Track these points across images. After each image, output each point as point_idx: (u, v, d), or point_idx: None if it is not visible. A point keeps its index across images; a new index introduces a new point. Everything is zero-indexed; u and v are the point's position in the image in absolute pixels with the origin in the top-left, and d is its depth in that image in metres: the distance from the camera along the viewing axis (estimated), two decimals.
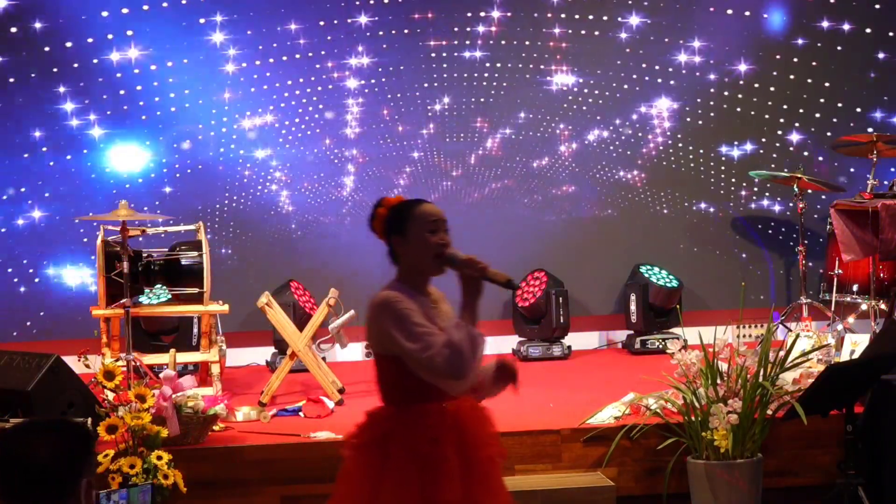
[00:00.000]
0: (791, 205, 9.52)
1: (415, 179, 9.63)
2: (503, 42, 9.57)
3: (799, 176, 8.87)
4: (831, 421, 6.51)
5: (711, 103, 9.74)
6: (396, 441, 4.35)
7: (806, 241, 8.94)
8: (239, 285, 9.13)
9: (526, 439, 6.74)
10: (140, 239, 8.04)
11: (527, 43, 9.58)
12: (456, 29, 9.53)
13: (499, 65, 9.58)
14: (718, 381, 6.55)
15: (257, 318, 8.95)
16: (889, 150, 8.88)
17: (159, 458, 6.27)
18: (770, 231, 9.85)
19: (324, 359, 8.37)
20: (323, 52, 9.46)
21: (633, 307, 9.38)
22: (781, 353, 6.71)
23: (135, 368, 7.30)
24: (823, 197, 9.58)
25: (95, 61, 9.26)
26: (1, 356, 6.93)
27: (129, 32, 9.25)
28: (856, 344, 7.53)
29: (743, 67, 9.72)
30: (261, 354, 9.24)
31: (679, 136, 9.75)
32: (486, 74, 9.59)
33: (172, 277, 7.94)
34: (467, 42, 9.55)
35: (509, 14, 9.54)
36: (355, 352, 9.44)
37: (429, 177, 9.65)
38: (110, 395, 6.57)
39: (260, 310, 8.08)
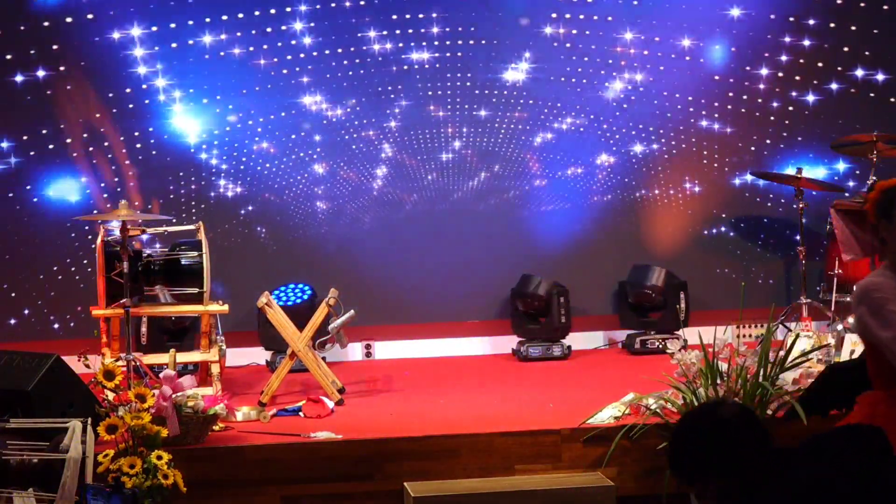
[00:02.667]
0: (791, 205, 9.52)
1: (415, 178, 9.62)
2: (507, 42, 9.58)
3: (799, 176, 8.87)
4: (831, 421, 6.50)
5: (713, 104, 9.73)
6: (884, 426, 4.30)
7: (806, 241, 8.94)
8: (239, 285, 9.12)
9: (526, 439, 6.75)
10: (144, 238, 8.05)
11: (531, 43, 9.59)
12: (459, 28, 9.53)
13: (505, 64, 9.59)
14: (718, 381, 6.55)
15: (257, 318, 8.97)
16: (889, 150, 8.88)
17: (159, 458, 6.27)
18: (770, 231, 9.84)
19: (324, 359, 8.37)
20: (344, 54, 9.46)
21: (627, 307, 9.42)
22: (781, 353, 6.72)
23: (135, 368, 7.30)
24: (815, 194, 9.56)
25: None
26: (1, 356, 6.93)
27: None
28: (856, 344, 7.52)
29: (744, 66, 9.72)
30: (261, 354, 9.25)
31: (679, 135, 9.74)
32: (489, 76, 9.59)
33: (172, 277, 7.94)
34: (470, 41, 9.55)
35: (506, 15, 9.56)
36: (355, 352, 9.46)
37: (430, 175, 9.63)
38: (110, 395, 6.57)
39: (260, 310, 8.09)
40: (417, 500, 6.40)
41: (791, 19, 9.67)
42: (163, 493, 6.25)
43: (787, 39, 9.68)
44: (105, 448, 6.34)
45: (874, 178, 8.68)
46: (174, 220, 8.57)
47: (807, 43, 9.69)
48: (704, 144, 9.77)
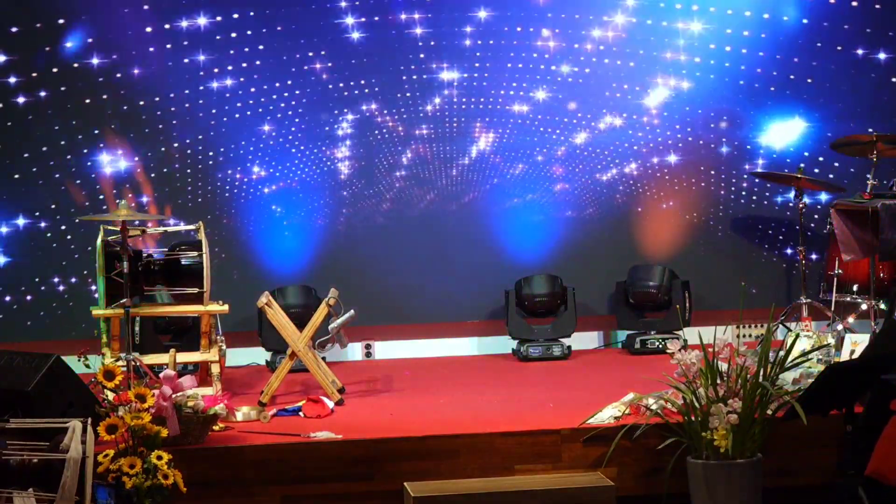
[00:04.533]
0: (791, 205, 9.53)
1: (413, 178, 9.63)
2: (506, 39, 9.58)
3: (799, 176, 8.88)
4: (831, 421, 6.52)
5: (716, 104, 9.73)
6: None
7: (806, 241, 8.95)
8: (239, 285, 9.13)
9: (526, 439, 6.75)
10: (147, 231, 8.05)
11: (529, 40, 9.58)
12: (455, 28, 9.53)
13: (500, 63, 9.59)
14: (718, 381, 6.55)
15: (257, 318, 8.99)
16: (889, 150, 8.88)
17: (159, 458, 6.27)
18: (770, 231, 9.85)
19: (324, 359, 8.38)
20: (323, 52, 9.47)
21: (625, 306, 9.42)
22: (781, 353, 6.72)
23: (135, 368, 7.31)
24: (821, 196, 9.57)
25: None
26: (1, 356, 6.93)
27: None
28: (856, 344, 7.53)
29: (745, 68, 9.72)
30: (261, 354, 9.25)
31: (682, 136, 9.75)
32: (486, 74, 9.59)
33: (172, 277, 7.94)
34: (467, 42, 9.55)
35: (509, 13, 9.54)
36: (355, 352, 9.46)
37: (428, 175, 9.64)
38: (110, 395, 6.57)
39: (260, 310, 8.10)
40: (417, 500, 6.40)
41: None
42: (163, 493, 6.25)
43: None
44: (105, 448, 6.34)
45: (874, 179, 8.70)
46: (169, 219, 8.58)
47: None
48: (704, 145, 9.77)
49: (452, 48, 9.52)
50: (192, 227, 8.24)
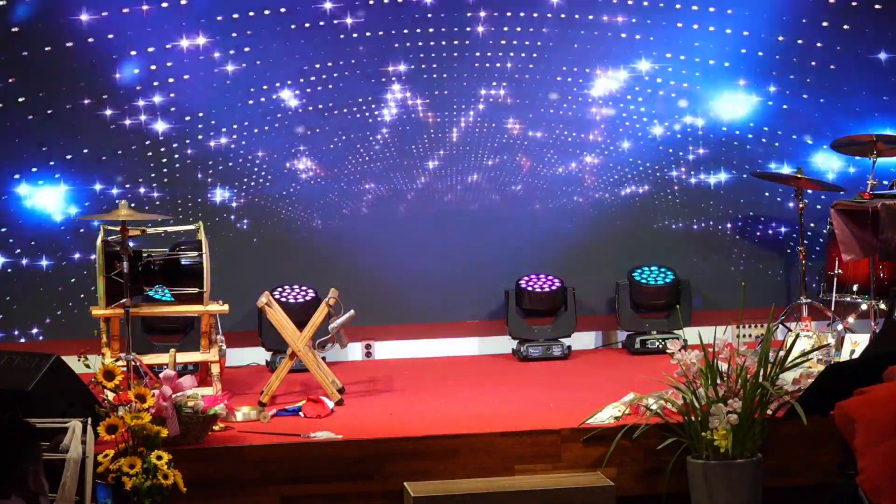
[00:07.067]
0: (791, 205, 9.53)
1: (421, 181, 9.63)
2: (519, 50, 9.59)
3: (799, 176, 8.88)
4: (831, 421, 6.51)
5: (715, 103, 9.73)
6: None
7: (806, 241, 8.95)
8: (239, 285, 9.12)
9: (526, 439, 6.75)
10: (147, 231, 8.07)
11: (539, 50, 9.59)
12: (479, 27, 9.54)
13: (516, 75, 9.60)
14: (718, 381, 6.56)
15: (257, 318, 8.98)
16: (889, 150, 8.89)
17: (159, 458, 6.28)
18: (770, 231, 9.85)
19: (324, 359, 8.38)
20: (349, 49, 9.46)
21: (625, 306, 9.42)
22: (781, 353, 6.72)
23: (134, 368, 7.31)
24: (823, 197, 9.58)
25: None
26: (1, 356, 6.93)
27: None
28: (856, 344, 7.54)
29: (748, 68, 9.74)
30: (261, 354, 9.25)
31: (681, 137, 9.74)
32: (500, 77, 9.59)
33: (172, 277, 7.94)
34: (508, 65, 9.56)
35: (522, 15, 9.55)
36: (355, 352, 9.46)
37: (436, 177, 9.64)
38: (110, 395, 6.57)
39: (260, 310, 8.10)
40: (417, 500, 6.40)
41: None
42: (163, 493, 6.26)
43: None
44: (105, 448, 6.34)
45: (874, 179, 8.71)
46: (172, 220, 8.59)
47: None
48: (704, 146, 9.77)
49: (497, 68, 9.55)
50: (192, 226, 8.25)
